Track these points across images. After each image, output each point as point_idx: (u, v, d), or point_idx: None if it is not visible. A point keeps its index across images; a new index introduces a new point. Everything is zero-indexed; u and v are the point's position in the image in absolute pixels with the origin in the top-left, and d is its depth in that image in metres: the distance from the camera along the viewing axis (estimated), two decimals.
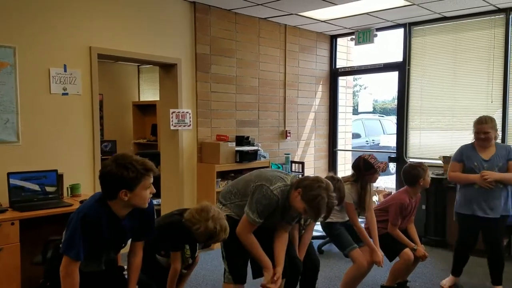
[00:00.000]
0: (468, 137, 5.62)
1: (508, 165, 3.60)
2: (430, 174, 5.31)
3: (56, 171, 3.70)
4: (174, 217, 2.66)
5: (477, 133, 3.68)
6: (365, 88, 19.10)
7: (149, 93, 8.98)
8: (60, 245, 2.18)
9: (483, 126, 3.64)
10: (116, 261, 2.47)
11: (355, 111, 13.28)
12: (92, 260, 2.11)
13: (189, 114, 5.02)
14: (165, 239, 2.59)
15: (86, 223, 2.04)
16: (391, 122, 12.23)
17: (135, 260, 2.35)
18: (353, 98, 8.08)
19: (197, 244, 2.76)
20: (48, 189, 3.65)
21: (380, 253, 3.38)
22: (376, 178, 3.53)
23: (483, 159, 3.66)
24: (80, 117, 4.16)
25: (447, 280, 4.01)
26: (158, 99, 6.65)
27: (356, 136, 10.04)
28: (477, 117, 3.78)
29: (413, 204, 3.71)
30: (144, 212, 2.24)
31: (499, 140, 4.34)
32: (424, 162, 5.91)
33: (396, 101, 6.60)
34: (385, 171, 3.56)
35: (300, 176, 6.12)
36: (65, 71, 4.02)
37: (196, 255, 2.85)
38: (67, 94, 4.05)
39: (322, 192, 2.44)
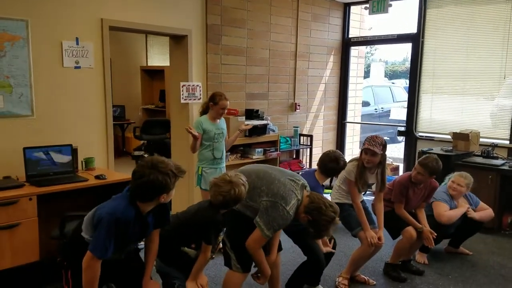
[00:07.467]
0: (478, 113, 5.61)
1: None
2: (439, 150, 5.36)
3: (71, 145, 3.76)
4: (207, 211, 2.49)
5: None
6: (379, 60, 18.43)
7: (157, 58, 8.90)
8: (81, 227, 2.25)
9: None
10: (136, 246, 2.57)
11: (367, 74, 12.84)
12: (114, 253, 2.20)
13: (199, 87, 5.01)
14: (202, 233, 2.49)
15: (119, 226, 2.12)
16: (401, 89, 12.09)
17: (153, 245, 2.45)
18: (364, 68, 7.97)
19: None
20: (63, 163, 3.73)
21: (373, 235, 3.37)
22: (366, 161, 3.34)
23: None
24: (93, 91, 4.17)
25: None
26: (166, 64, 6.60)
27: (365, 104, 9.95)
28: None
29: (422, 190, 3.77)
30: (160, 204, 2.30)
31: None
32: (434, 137, 6.00)
33: (406, 63, 6.52)
34: (367, 155, 3.33)
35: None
36: (77, 44, 4.00)
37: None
38: (79, 67, 4.05)
39: (329, 224, 2.57)
